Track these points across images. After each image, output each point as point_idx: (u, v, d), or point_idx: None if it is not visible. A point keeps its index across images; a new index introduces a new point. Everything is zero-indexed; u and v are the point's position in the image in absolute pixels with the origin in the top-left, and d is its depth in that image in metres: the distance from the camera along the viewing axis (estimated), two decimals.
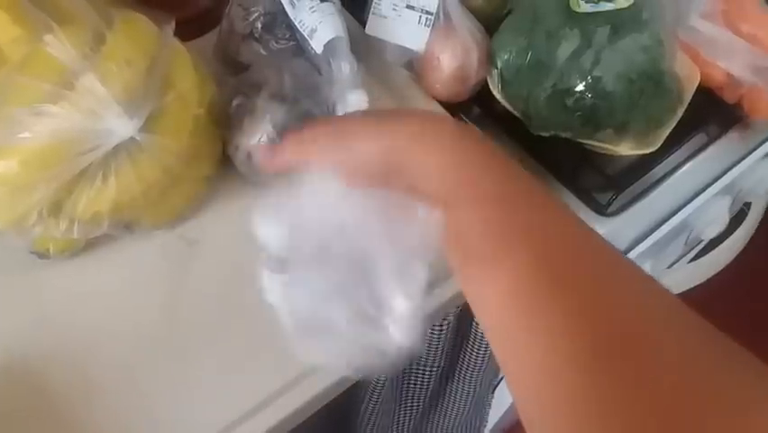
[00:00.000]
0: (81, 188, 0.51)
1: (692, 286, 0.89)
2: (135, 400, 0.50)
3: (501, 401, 0.98)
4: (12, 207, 0.49)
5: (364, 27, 0.66)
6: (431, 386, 0.75)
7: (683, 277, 0.87)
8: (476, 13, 0.65)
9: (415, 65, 0.65)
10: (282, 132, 0.56)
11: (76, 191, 0.51)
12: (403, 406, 0.79)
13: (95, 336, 0.53)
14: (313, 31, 0.59)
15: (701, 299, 0.98)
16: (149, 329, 0.53)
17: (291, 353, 0.50)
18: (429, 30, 0.63)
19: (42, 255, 0.55)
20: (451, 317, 0.62)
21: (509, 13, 0.64)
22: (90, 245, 0.56)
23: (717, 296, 0.96)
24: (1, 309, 0.54)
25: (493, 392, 0.96)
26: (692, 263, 0.89)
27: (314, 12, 0.59)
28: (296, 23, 0.61)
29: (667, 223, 0.63)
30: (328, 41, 0.58)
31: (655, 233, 0.62)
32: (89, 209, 0.51)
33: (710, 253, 0.87)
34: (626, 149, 0.60)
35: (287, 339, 0.36)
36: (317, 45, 0.59)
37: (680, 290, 0.88)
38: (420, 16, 0.63)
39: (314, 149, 0.33)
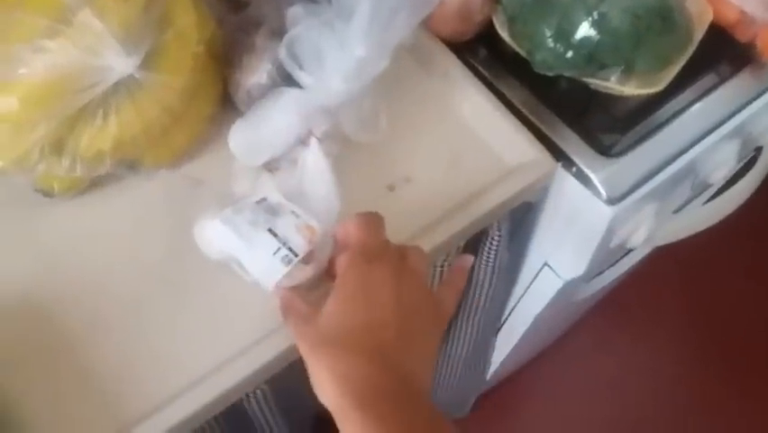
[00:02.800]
0: (82, 125, 0.51)
1: (698, 231, 0.88)
2: (140, 335, 0.51)
3: (506, 342, 0.99)
4: (14, 145, 0.50)
5: None
6: None
7: (690, 222, 0.86)
8: None
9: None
10: (281, 69, 0.55)
11: (77, 129, 0.51)
12: None
13: (100, 274, 0.54)
14: None
15: (706, 242, 0.98)
16: (154, 268, 0.54)
17: None
18: None
19: (47, 193, 0.55)
20: (452, 258, 0.63)
21: None
22: (95, 185, 0.57)
23: (722, 240, 0.96)
24: (6, 246, 0.55)
25: (496, 335, 0.98)
26: (700, 208, 0.88)
27: None
28: None
29: (672, 165, 0.62)
30: None
31: (659, 175, 0.62)
32: (91, 147, 0.52)
33: (719, 198, 0.86)
34: (631, 88, 0.59)
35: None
36: None
37: (686, 235, 0.87)
38: None
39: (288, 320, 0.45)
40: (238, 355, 0.50)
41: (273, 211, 0.50)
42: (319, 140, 0.53)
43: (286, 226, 0.48)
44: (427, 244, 0.53)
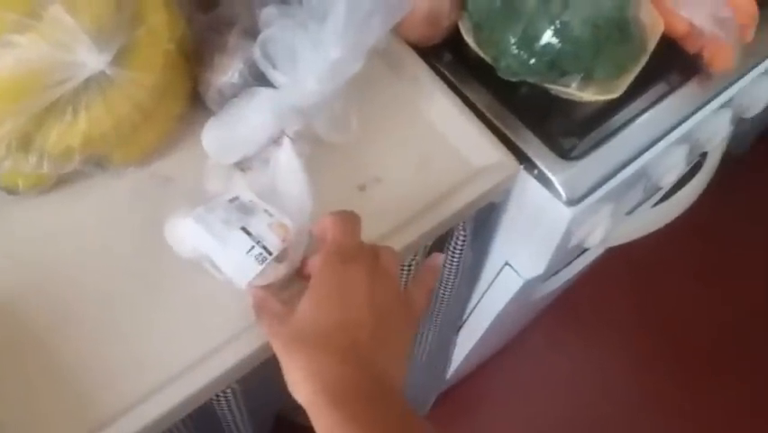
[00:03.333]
0: (51, 121, 0.50)
1: (648, 232, 0.92)
2: (111, 331, 0.51)
3: (466, 340, 1.02)
4: None
5: None
6: None
7: (641, 223, 0.90)
8: None
9: None
10: (253, 69, 0.56)
11: (45, 125, 0.50)
12: None
13: (68, 272, 0.53)
14: None
15: (656, 244, 1.03)
16: (124, 264, 0.54)
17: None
18: None
19: (11, 191, 0.54)
20: (420, 258, 0.65)
21: None
22: (61, 182, 0.56)
23: (671, 242, 1.01)
24: None
25: (458, 333, 1.00)
26: (650, 210, 0.92)
27: None
28: None
29: (627, 168, 0.65)
30: None
31: (615, 177, 0.65)
32: (60, 143, 0.51)
33: (667, 201, 0.90)
34: (590, 94, 0.62)
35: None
36: None
37: (637, 236, 0.91)
38: None
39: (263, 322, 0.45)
40: (211, 354, 0.50)
41: (246, 210, 0.50)
42: (292, 139, 0.54)
43: (259, 225, 0.49)
44: (398, 244, 0.55)
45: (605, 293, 1.55)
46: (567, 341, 1.53)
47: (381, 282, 0.44)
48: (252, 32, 0.56)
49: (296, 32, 0.50)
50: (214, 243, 0.48)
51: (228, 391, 0.57)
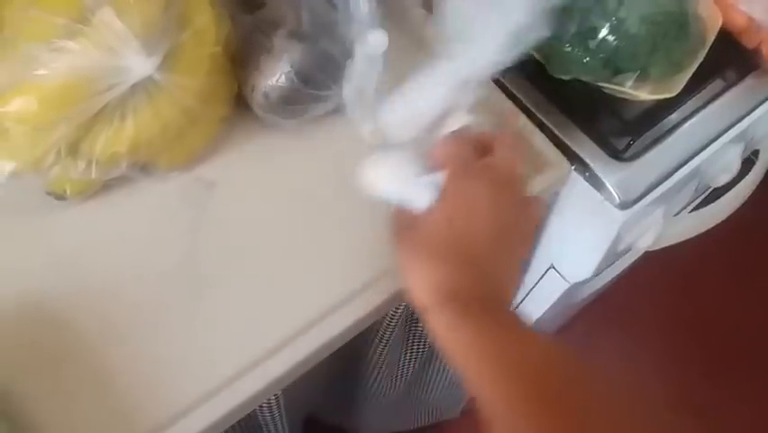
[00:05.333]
0: (99, 127, 0.50)
1: (693, 235, 0.90)
2: (156, 342, 0.50)
3: None
4: (30, 147, 0.49)
5: None
6: None
7: (685, 227, 0.88)
8: None
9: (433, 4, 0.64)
10: (300, 72, 0.55)
11: (94, 131, 0.50)
12: (409, 351, 0.80)
13: (114, 278, 0.53)
14: None
15: (693, 244, 1.00)
16: (168, 272, 0.53)
17: (310, 297, 0.51)
18: None
19: (59, 196, 0.54)
20: None
21: None
22: (107, 187, 0.56)
23: (709, 242, 0.98)
24: (18, 250, 0.53)
25: None
26: (695, 213, 0.90)
27: None
28: None
29: (682, 169, 0.63)
30: None
31: (671, 178, 0.62)
32: (107, 149, 0.51)
33: (715, 203, 0.88)
34: (645, 93, 0.59)
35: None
36: None
37: (681, 239, 0.89)
38: None
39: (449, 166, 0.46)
40: (255, 364, 0.49)
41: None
42: (467, 112, 0.52)
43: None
44: None
45: (641, 292, 1.52)
46: (602, 341, 1.50)
47: (504, 196, 0.45)
48: (298, 34, 0.55)
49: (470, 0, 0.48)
50: (400, 184, 0.47)
51: (272, 397, 0.57)
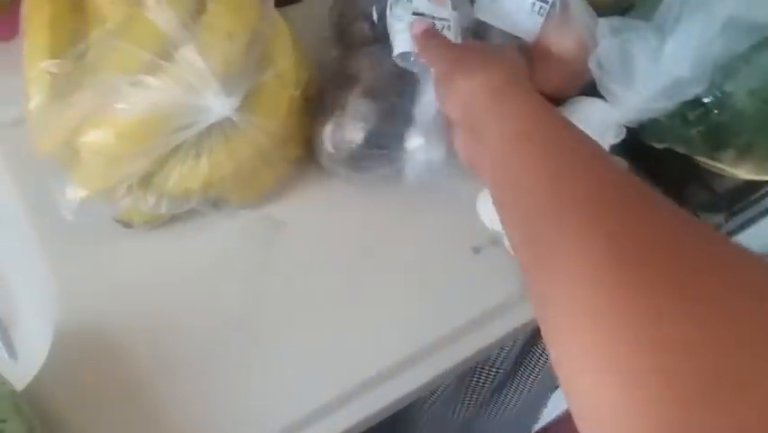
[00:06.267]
0: (173, 163, 0.49)
1: None
2: (208, 383, 0.49)
3: (559, 402, 0.95)
4: (104, 177, 0.49)
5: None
6: (494, 384, 0.74)
7: None
8: (594, 6, 0.59)
9: (522, 54, 0.61)
10: (370, 132, 0.53)
11: (167, 166, 0.49)
12: (463, 401, 0.77)
13: (175, 310, 0.52)
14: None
15: None
16: (231, 309, 0.52)
17: (383, 342, 0.49)
18: (542, 19, 0.58)
19: (126, 225, 0.54)
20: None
21: (631, 7, 0.59)
22: (174, 219, 0.55)
23: None
24: (83, 275, 0.53)
25: (552, 392, 0.94)
26: None
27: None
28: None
29: None
30: None
31: None
32: (179, 185, 0.50)
33: None
34: (745, 172, 0.55)
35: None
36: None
37: None
38: (534, 3, 0.58)
39: (432, 54, 0.48)
40: (316, 413, 0.48)
41: None
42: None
43: None
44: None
45: None
46: None
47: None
48: (372, 94, 0.53)
49: (635, 44, 0.49)
50: None
51: None
